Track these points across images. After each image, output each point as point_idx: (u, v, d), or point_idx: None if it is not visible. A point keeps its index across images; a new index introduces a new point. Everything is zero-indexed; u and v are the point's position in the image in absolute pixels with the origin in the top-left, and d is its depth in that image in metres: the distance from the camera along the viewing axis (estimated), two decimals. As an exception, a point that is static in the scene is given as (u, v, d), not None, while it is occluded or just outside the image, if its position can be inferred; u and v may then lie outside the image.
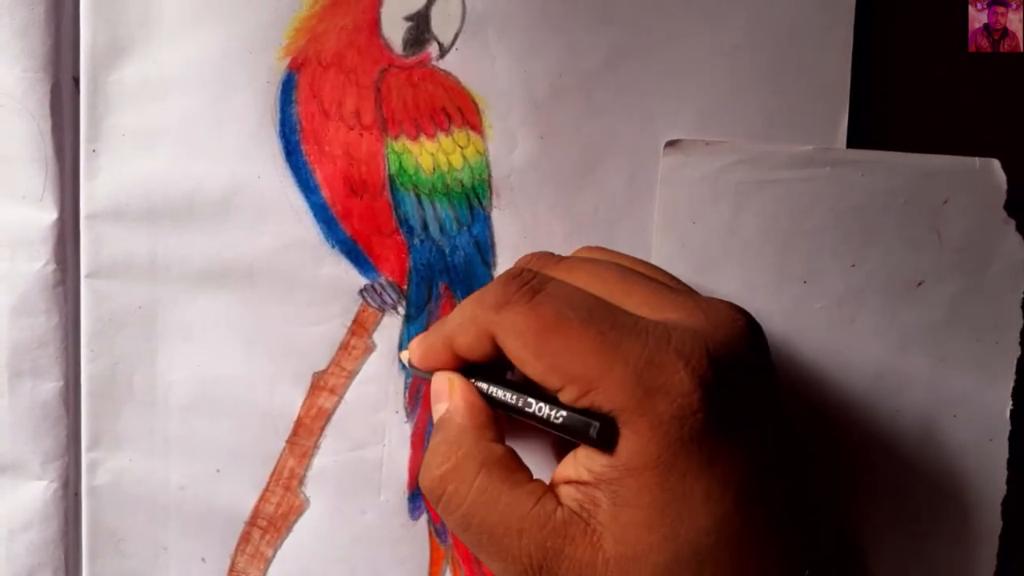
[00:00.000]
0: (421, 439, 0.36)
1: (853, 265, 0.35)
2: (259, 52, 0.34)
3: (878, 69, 0.36)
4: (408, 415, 0.36)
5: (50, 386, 0.35)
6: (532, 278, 0.28)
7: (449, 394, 0.29)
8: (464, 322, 0.28)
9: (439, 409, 0.29)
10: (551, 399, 0.27)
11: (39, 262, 0.34)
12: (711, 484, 0.25)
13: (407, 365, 0.31)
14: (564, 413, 0.27)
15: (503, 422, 0.29)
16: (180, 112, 0.34)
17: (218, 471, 0.35)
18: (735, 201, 0.35)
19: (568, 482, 0.27)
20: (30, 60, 0.33)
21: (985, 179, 0.35)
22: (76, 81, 0.34)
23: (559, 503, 0.26)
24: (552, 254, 0.31)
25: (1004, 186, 0.35)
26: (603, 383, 0.25)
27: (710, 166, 0.35)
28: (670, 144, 0.35)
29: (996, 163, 0.35)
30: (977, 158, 0.35)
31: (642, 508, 0.25)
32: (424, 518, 0.36)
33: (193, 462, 0.35)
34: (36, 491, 0.35)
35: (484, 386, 0.29)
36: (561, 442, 0.31)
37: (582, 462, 0.26)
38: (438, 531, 0.36)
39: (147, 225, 0.34)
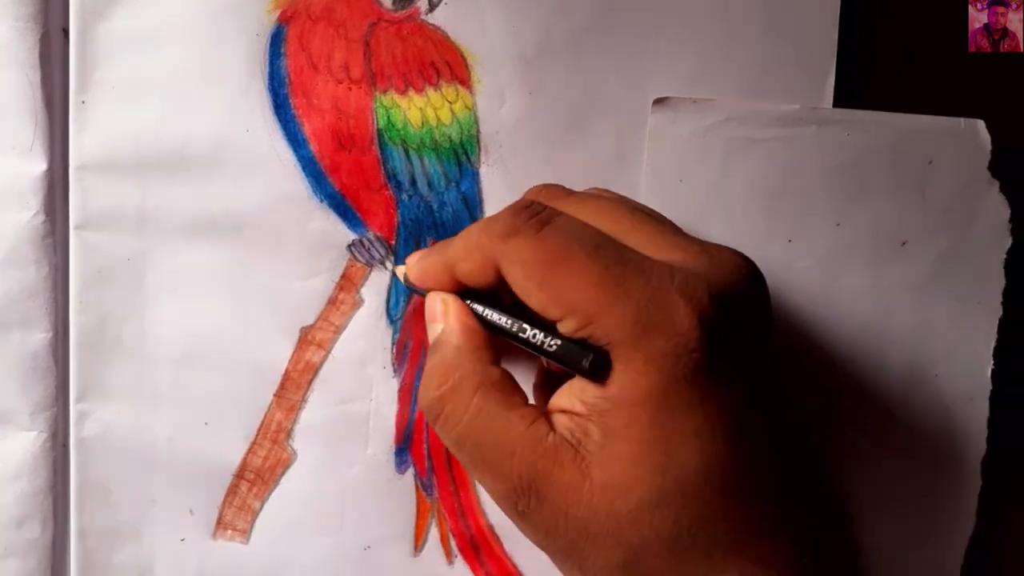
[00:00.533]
0: (408, 394, 0.36)
1: (838, 224, 0.35)
2: (249, 4, 0.34)
3: (868, 38, 0.36)
4: (395, 370, 0.36)
5: (39, 337, 0.35)
6: (541, 210, 0.28)
7: (444, 315, 0.29)
8: (469, 249, 0.29)
9: (434, 330, 0.30)
10: (546, 327, 0.27)
11: (28, 212, 0.34)
12: (702, 423, 0.25)
13: (402, 280, 0.31)
14: (558, 341, 0.27)
15: (499, 345, 0.29)
16: (169, 64, 0.34)
17: (206, 424, 0.36)
18: (722, 159, 0.35)
19: (562, 411, 0.27)
20: (19, 10, 0.33)
21: (970, 140, 0.35)
22: (65, 32, 0.34)
23: (552, 428, 0.27)
24: (562, 187, 0.31)
25: (988, 147, 0.35)
26: (603, 317, 0.26)
27: (698, 124, 0.35)
28: (658, 102, 0.35)
29: (981, 124, 0.35)
30: (962, 119, 0.35)
31: (630, 441, 0.25)
32: (410, 472, 0.36)
33: (181, 414, 0.35)
34: (25, 442, 0.35)
35: (480, 309, 0.29)
36: (544, 380, 0.32)
37: (575, 393, 0.27)
38: (424, 485, 0.36)
39: (136, 177, 0.34)
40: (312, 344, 0.36)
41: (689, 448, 0.25)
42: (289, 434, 0.36)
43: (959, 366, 0.36)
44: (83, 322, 0.35)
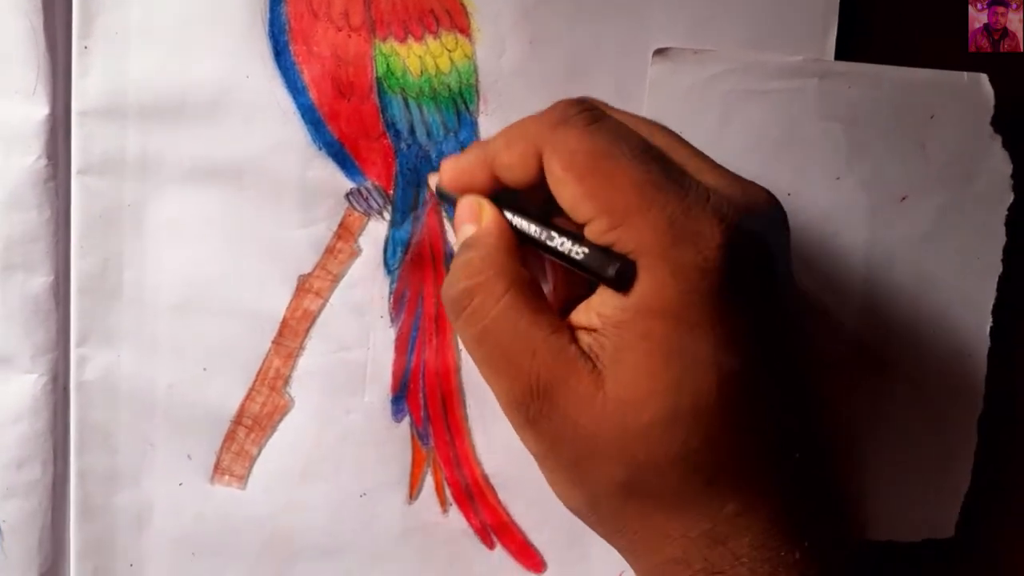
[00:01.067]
0: (405, 344, 0.36)
1: (838, 178, 0.35)
2: (250, -49, 0.34)
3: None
4: (392, 320, 0.36)
5: (41, 280, 0.35)
6: (594, 107, 0.28)
7: (479, 215, 0.29)
8: (514, 137, 0.28)
9: (465, 231, 0.29)
10: (573, 236, 0.27)
11: (31, 156, 0.34)
12: (720, 342, 0.25)
13: (433, 188, 0.31)
14: (585, 249, 0.27)
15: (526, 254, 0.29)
16: (171, 11, 0.34)
17: (205, 370, 0.36)
18: (722, 111, 0.35)
19: (580, 327, 0.27)
20: (23, -45, 0.34)
21: (973, 94, 0.35)
22: (67, -25, 0.34)
23: (573, 339, 0.27)
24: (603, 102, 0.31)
25: (992, 101, 0.35)
26: (636, 220, 0.26)
27: (698, 75, 0.35)
28: (659, 52, 0.35)
29: (984, 77, 0.35)
30: (965, 72, 0.35)
31: (646, 354, 0.26)
32: (407, 421, 0.36)
33: (181, 360, 0.36)
34: (26, 384, 0.35)
35: (509, 215, 0.29)
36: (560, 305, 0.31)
37: (594, 307, 0.27)
38: (420, 434, 0.36)
39: (138, 123, 0.35)
40: (310, 292, 0.36)
41: (706, 366, 0.25)
42: (287, 381, 0.36)
43: (958, 323, 0.36)
44: (84, 266, 0.35)
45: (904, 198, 0.35)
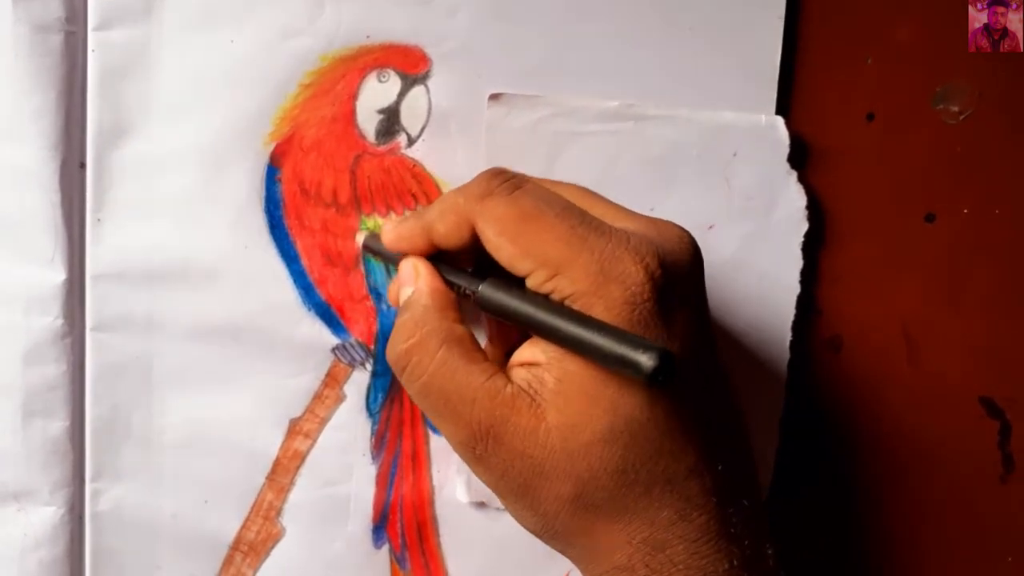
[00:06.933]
0: (385, 479, 0.41)
1: (653, 209, 0.38)
2: (248, 136, 0.38)
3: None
4: (373, 457, 0.40)
5: (58, 425, 0.39)
6: (513, 176, 0.32)
7: (414, 278, 0.32)
8: (445, 211, 0.32)
9: (405, 292, 0.32)
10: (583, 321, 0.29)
11: (50, 316, 0.38)
12: None
13: (359, 246, 0.34)
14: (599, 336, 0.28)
15: (466, 309, 0.32)
16: (176, 187, 0.38)
17: (206, 502, 0.40)
18: (551, 149, 0.38)
19: (522, 364, 0.30)
20: (43, 140, 0.37)
21: (771, 134, 0.38)
22: (82, 166, 0.38)
23: (509, 381, 0.30)
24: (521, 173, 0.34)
25: (787, 141, 0.38)
26: (570, 268, 0.29)
27: (529, 117, 0.38)
28: (493, 96, 0.38)
29: (780, 120, 0.38)
30: (763, 115, 0.38)
31: (588, 380, 0.29)
32: (386, 547, 0.41)
33: (184, 493, 0.40)
34: (46, 515, 0.40)
35: (446, 271, 0.32)
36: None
37: (539, 344, 0.30)
38: (398, 559, 0.41)
39: (145, 286, 0.39)
40: (300, 434, 0.40)
41: (638, 388, 0.29)
42: (279, 512, 0.40)
43: (762, 337, 0.39)
44: (97, 412, 0.39)
45: (711, 227, 0.38)
